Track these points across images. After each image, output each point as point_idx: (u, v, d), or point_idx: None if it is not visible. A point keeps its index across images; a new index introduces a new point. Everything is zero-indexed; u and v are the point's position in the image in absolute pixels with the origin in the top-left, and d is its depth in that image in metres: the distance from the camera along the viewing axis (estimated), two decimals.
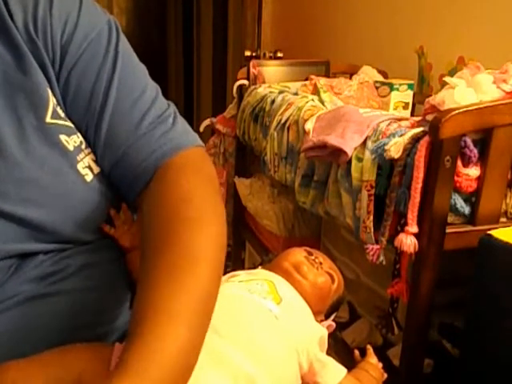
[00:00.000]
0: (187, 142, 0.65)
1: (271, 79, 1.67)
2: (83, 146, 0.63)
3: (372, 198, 0.99)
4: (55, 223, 0.60)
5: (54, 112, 0.61)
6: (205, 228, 0.55)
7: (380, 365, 0.71)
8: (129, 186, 0.64)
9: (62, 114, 0.62)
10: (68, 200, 0.61)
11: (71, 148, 0.62)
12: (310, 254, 0.74)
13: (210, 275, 0.52)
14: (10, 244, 0.59)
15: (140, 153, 0.63)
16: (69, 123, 0.62)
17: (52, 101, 0.61)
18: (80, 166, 0.62)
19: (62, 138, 0.61)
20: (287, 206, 1.61)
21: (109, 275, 0.66)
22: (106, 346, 0.56)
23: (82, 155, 0.63)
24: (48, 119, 0.60)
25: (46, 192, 0.59)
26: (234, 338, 0.56)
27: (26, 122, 0.59)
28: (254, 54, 2.35)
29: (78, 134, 0.63)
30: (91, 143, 0.64)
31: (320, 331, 0.66)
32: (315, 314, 0.68)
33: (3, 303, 0.57)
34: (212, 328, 0.54)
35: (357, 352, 0.73)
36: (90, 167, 0.63)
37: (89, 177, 0.63)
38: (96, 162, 0.65)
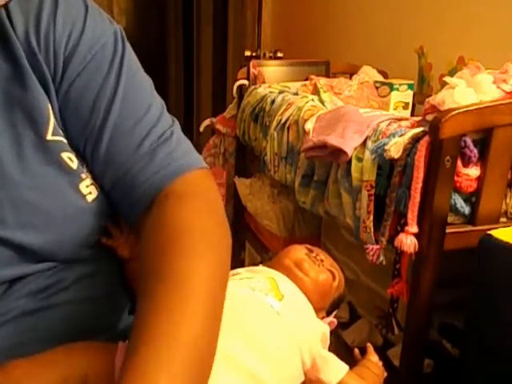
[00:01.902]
0: (191, 163, 0.62)
1: (271, 79, 1.67)
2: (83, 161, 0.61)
3: (372, 198, 0.99)
4: (54, 246, 0.59)
5: (55, 129, 0.58)
6: (199, 260, 0.51)
7: (380, 362, 0.72)
8: (129, 207, 0.61)
9: (61, 131, 0.59)
10: (67, 223, 0.59)
11: (75, 166, 0.59)
12: (311, 251, 0.75)
13: (204, 315, 0.48)
14: (3, 269, 0.56)
15: (142, 173, 0.59)
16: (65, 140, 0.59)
17: (52, 117, 0.58)
18: (83, 185, 0.60)
19: (65, 155, 0.58)
20: (287, 206, 1.61)
21: (105, 285, 0.64)
22: (109, 345, 0.56)
23: (86, 173, 0.60)
24: (49, 136, 0.57)
25: (44, 215, 0.57)
26: (237, 335, 0.56)
27: (25, 139, 0.56)
28: (254, 54, 2.35)
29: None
30: (89, 160, 0.61)
31: (322, 327, 0.66)
32: (316, 311, 0.69)
33: None
34: None
35: (357, 350, 0.73)
36: (94, 184, 0.61)
37: (91, 196, 0.60)
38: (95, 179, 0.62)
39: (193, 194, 0.59)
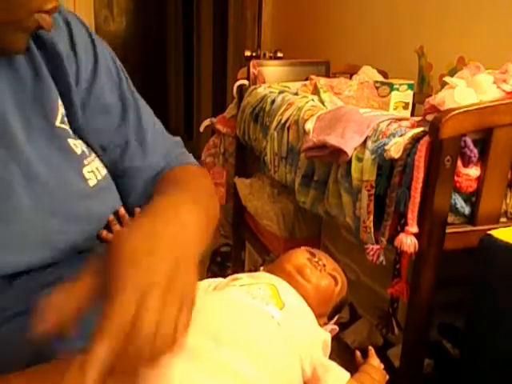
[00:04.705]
0: (196, 163, 0.78)
1: (271, 79, 1.67)
2: (89, 151, 0.66)
3: (372, 197, 0.99)
4: (62, 230, 0.60)
5: (62, 118, 0.63)
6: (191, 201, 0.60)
7: (382, 366, 0.70)
8: (142, 189, 0.72)
9: (67, 122, 0.65)
10: (72, 206, 0.61)
11: (79, 152, 0.64)
12: (313, 255, 0.73)
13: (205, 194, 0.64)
14: (11, 255, 0.57)
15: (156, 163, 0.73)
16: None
17: (61, 110, 0.63)
18: (85, 170, 0.64)
19: (71, 141, 0.63)
20: (287, 206, 1.61)
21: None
22: None
23: (88, 160, 0.65)
24: (57, 123, 0.62)
25: (52, 195, 0.60)
26: (236, 346, 0.55)
27: (34, 122, 0.60)
28: (254, 54, 2.35)
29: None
30: (116, 155, 0.70)
31: (323, 335, 0.65)
32: (318, 316, 0.68)
33: None
34: (214, 335, 0.53)
35: (358, 353, 0.71)
36: (94, 172, 0.65)
37: (92, 181, 0.64)
38: (102, 167, 0.67)
39: (191, 173, 0.74)
